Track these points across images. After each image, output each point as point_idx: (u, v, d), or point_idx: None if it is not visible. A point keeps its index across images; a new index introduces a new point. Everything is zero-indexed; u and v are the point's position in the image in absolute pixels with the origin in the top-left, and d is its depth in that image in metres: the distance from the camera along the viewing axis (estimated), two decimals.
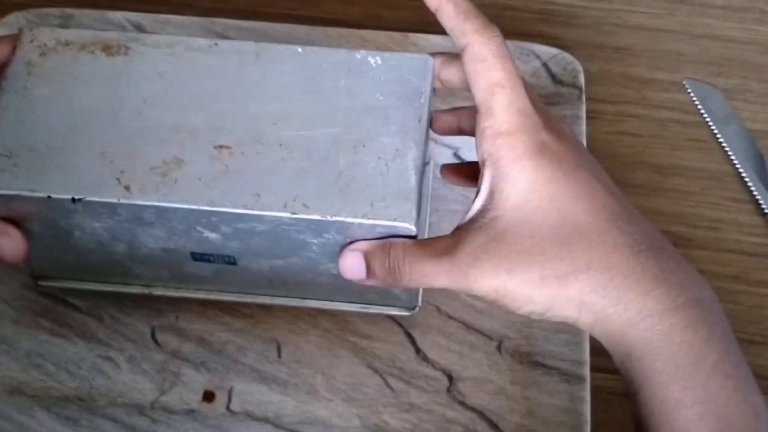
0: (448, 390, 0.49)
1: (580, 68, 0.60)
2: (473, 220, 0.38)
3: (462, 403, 0.49)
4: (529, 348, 0.50)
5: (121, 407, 0.48)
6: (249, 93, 0.42)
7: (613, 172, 0.57)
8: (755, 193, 0.57)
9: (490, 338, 0.51)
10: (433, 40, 0.60)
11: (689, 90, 0.62)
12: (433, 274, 0.38)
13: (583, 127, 0.57)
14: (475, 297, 0.38)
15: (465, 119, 0.45)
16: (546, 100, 0.59)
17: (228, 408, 0.48)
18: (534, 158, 0.37)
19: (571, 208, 0.36)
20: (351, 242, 0.41)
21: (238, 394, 0.49)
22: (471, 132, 0.40)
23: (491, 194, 0.37)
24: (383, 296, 0.47)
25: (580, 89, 0.59)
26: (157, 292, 0.49)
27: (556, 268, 0.36)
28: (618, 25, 0.66)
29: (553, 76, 0.60)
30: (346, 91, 0.42)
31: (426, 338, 0.51)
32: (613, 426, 0.48)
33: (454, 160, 0.57)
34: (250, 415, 0.48)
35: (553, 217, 0.36)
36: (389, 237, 0.40)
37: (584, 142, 0.56)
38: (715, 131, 0.60)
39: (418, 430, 0.48)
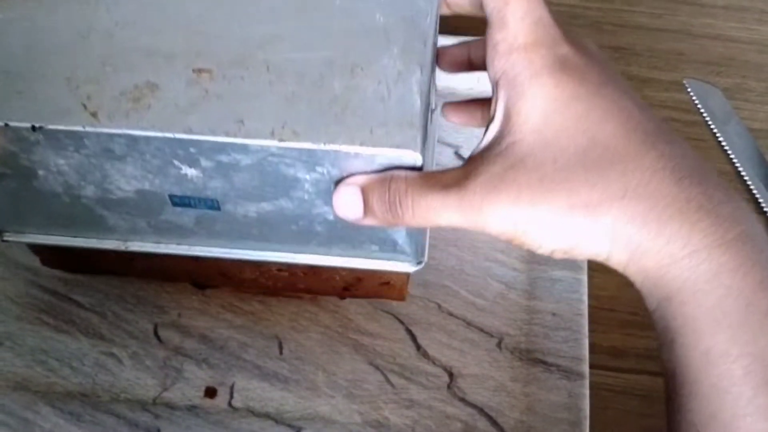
0: (449, 386, 0.49)
1: None
2: (487, 148, 0.33)
3: (462, 400, 0.49)
4: (529, 345, 0.50)
5: (124, 403, 0.48)
6: (232, 14, 0.38)
7: None
8: (755, 192, 0.57)
9: (491, 335, 0.51)
10: None
11: (689, 89, 0.62)
12: (440, 209, 0.33)
13: None
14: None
15: (476, 50, 0.41)
16: None
17: (230, 404, 0.49)
18: (554, 74, 0.31)
19: (601, 128, 0.31)
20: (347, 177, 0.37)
21: (239, 390, 0.49)
22: (482, 65, 0.35)
23: (507, 117, 0.32)
24: (385, 247, 0.42)
25: None
26: (134, 247, 0.44)
27: (587, 196, 0.30)
28: (618, 24, 0.66)
29: None
30: (342, 12, 0.38)
31: (427, 335, 0.51)
32: (612, 422, 0.48)
33: (455, 159, 0.57)
34: (251, 411, 0.48)
35: (580, 138, 0.31)
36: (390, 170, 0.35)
37: None
38: (715, 130, 0.60)
39: (418, 426, 0.48)
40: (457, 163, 0.57)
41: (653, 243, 0.30)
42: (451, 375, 0.50)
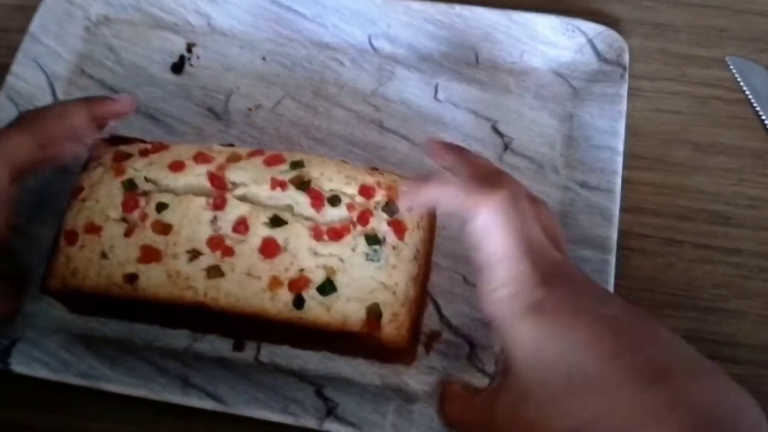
0: (469, 356, 0.47)
1: (625, 46, 0.56)
2: (501, 376, 0.39)
3: (481, 370, 0.46)
4: None
5: (156, 350, 0.47)
6: None
7: (653, 150, 0.55)
8: None
9: None
10: (479, 12, 0.57)
11: (731, 66, 0.58)
12: (479, 429, 0.40)
13: (624, 106, 0.54)
14: None
15: None
16: (588, 77, 0.56)
17: (256, 358, 0.47)
18: (532, 318, 0.36)
19: (574, 358, 0.35)
20: None
21: (266, 346, 0.47)
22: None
23: (507, 353, 0.38)
24: None
25: (624, 67, 0.55)
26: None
27: (574, 420, 0.35)
28: (658, 0, 0.61)
29: (598, 53, 0.57)
30: None
31: (450, 306, 0.48)
32: None
33: (492, 134, 0.55)
34: (276, 367, 0.47)
35: (561, 371, 0.35)
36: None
37: (624, 121, 0.53)
38: (758, 109, 0.56)
39: (436, 393, 0.46)
40: (494, 138, 0.55)
41: None
42: (471, 345, 0.47)
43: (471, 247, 0.39)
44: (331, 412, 0.45)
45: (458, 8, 0.58)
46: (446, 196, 0.40)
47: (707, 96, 0.57)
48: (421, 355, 0.47)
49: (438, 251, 0.49)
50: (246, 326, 0.45)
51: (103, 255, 0.44)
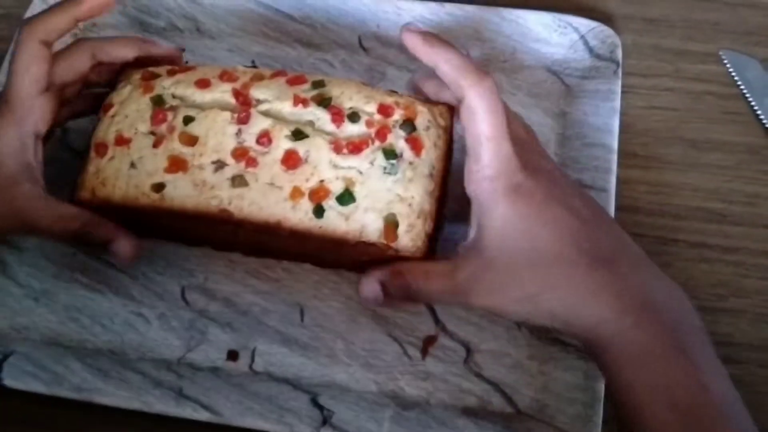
0: (465, 361, 0.46)
1: (618, 42, 0.55)
2: (469, 247, 0.42)
3: (478, 375, 0.45)
4: None
5: (149, 362, 0.46)
6: None
7: (648, 147, 0.53)
8: None
9: None
10: (469, 10, 0.56)
11: (725, 61, 0.56)
12: (439, 296, 0.43)
13: (618, 103, 0.52)
14: None
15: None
16: (581, 74, 0.55)
17: (251, 367, 0.46)
18: (510, 197, 0.40)
19: (540, 236, 0.40)
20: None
21: (261, 355, 0.46)
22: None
23: (480, 228, 0.41)
24: None
25: (617, 63, 0.54)
26: None
27: (530, 289, 0.40)
28: None
29: (590, 50, 0.55)
30: None
31: (446, 310, 0.47)
32: None
33: None
34: (271, 376, 0.46)
35: (526, 246, 0.40)
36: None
37: (618, 118, 0.52)
38: (753, 103, 0.54)
39: (432, 399, 0.45)
40: None
41: (576, 318, 0.39)
42: (468, 350, 0.46)
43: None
44: (326, 420, 0.44)
45: (448, 6, 0.56)
46: (448, 60, 0.41)
47: (701, 91, 0.56)
48: (417, 360, 0.46)
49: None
50: (267, 240, 0.45)
51: (132, 165, 0.44)
